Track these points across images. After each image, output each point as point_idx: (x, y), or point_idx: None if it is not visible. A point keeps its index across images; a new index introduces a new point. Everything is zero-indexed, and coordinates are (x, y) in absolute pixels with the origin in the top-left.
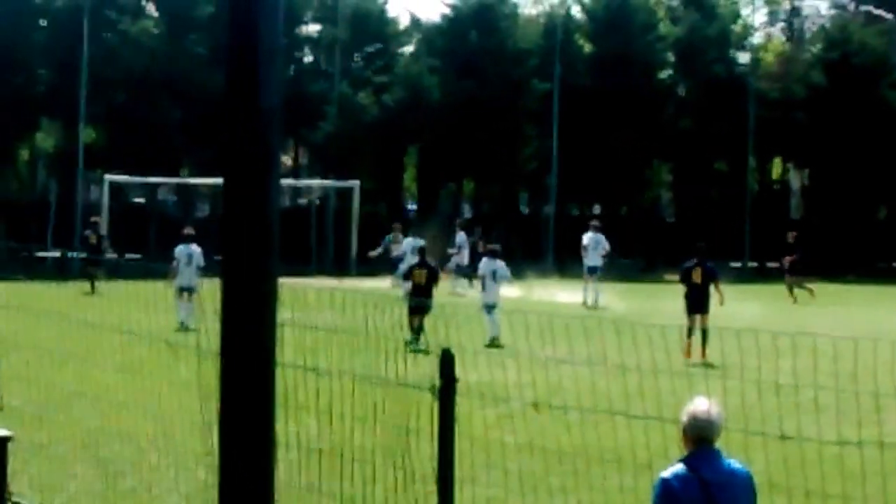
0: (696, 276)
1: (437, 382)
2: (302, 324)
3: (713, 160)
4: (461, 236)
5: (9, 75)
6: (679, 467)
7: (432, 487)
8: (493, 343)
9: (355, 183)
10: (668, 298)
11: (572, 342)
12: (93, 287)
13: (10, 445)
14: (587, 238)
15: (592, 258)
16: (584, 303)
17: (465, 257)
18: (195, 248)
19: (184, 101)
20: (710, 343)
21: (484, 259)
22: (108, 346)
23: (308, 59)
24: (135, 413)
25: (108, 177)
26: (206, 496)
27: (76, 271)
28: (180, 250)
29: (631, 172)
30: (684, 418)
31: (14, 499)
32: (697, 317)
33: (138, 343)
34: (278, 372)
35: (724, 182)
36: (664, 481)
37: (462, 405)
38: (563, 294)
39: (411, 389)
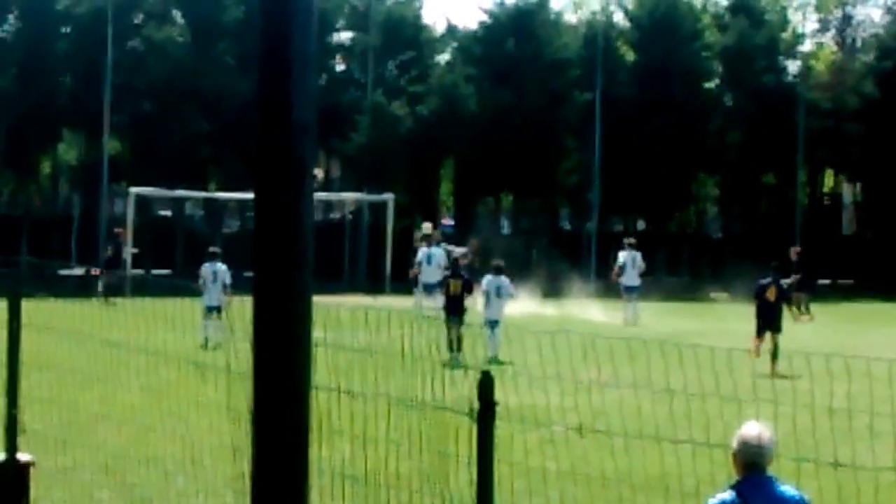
0: (771, 295)
1: (476, 406)
2: (335, 344)
3: (761, 173)
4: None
5: (30, 84)
6: (727, 495)
7: None
8: (493, 361)
9: (389, 196)
10: (714, 318)
11: (616, 364)
12: (106, 299)
13: (31, 470)
14: (623, 256)
15: (630, 277)
16: (625, 322)
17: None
18: (220, 266)
19: (211, 112)
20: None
21: (488, 276)
22: (133, 367)
23: (340, 67)
24: (161, 436)
25: (134, 190)
26: None
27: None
28: (205, 268)
29: (676, 186)
30: (735, 443)
31: None
32: (768, 334)
33: (164, 363)
34: (311, 394)
35: (773, 196)
36: None
37: (502, 429)
38: (605, 313)
39: (449, 413)
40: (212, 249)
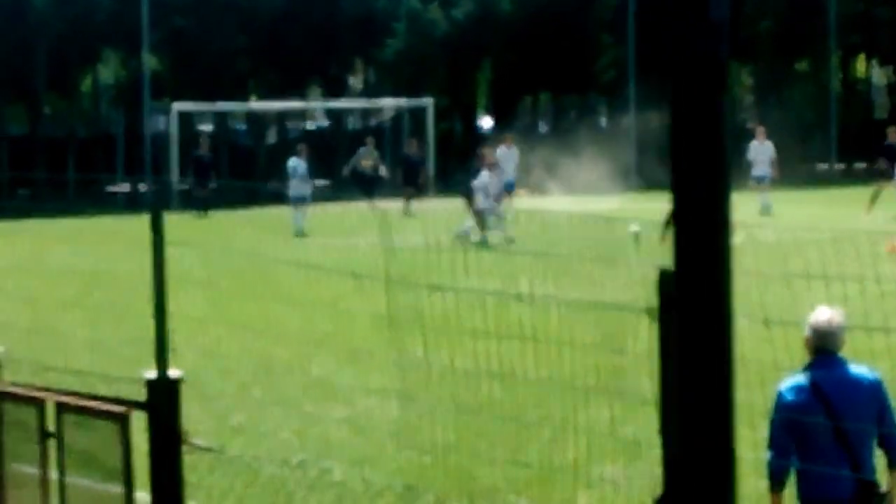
0: None
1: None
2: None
3: (794, 60)
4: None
5: (67, 5)
6: (797, 378)
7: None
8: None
9: (429, 101)
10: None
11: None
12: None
13: (182, 387)
14: (756, 146)
15: (761, 167)
16: (761, 212)
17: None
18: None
19: (248, 24)
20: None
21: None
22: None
23: None
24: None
25: (177, 105)
26: None
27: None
28: (293, 162)
29: None
30: (806, 328)
31: (193, 441)
32: None
33: (321, 276)
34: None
35: (807, 82)
36: (780, 393)
37: None
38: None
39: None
40: (300, 147)
